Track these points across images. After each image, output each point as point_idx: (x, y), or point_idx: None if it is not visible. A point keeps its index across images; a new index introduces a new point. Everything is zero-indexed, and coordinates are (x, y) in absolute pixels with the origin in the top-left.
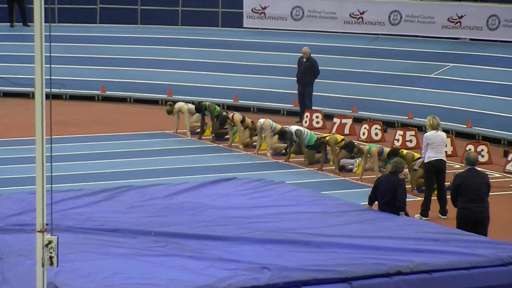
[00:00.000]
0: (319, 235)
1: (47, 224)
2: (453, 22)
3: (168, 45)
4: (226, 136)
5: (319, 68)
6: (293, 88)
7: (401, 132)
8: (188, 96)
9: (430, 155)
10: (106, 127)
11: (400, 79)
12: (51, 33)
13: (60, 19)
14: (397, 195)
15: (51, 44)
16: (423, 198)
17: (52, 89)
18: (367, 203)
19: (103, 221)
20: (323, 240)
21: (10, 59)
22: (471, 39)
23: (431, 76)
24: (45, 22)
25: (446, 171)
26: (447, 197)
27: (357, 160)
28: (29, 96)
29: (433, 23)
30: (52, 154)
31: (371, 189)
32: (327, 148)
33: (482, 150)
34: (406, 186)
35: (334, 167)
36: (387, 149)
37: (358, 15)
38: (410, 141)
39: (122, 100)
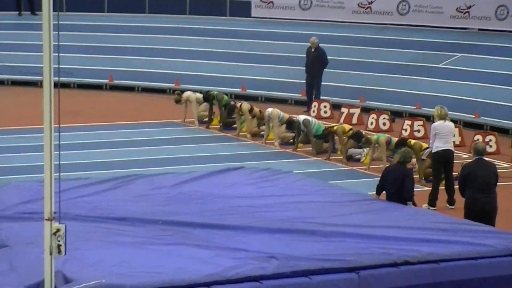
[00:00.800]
0: (326, 224)
1: (55, 213)
2: (462, 12)
3: (176, 34)
4: (234, 126)
5: (328, 58)
6: (300, 77)
7: (409, 122)
8: (196, 86)
9: (438, 145)
10: (114, 116)
11: (408, 69)
12: (59, 22)
13: (68, 8)
14: (405, 185)
15: (59, 33)
16: (430, 188)
17: (60, 78)
18: (374, 193)
19: (111, 209)
20: (331, 229)
21: (18, 47)
22: (479, 29)
23: (439, 66)
24: (53, 11)
25: (454, 161)
26: (455, 187)
27: (365, 150)
28: (37, 84)
29: (441, 13)
30: (60, 142)
31: (378, 179)
32: (335, 138)
33: (490, 140)
34: (414, 176)
35: (341, 157)
36: (395, 139)
37: (366, 5)
38: (418, 131)
39: (130, 89)
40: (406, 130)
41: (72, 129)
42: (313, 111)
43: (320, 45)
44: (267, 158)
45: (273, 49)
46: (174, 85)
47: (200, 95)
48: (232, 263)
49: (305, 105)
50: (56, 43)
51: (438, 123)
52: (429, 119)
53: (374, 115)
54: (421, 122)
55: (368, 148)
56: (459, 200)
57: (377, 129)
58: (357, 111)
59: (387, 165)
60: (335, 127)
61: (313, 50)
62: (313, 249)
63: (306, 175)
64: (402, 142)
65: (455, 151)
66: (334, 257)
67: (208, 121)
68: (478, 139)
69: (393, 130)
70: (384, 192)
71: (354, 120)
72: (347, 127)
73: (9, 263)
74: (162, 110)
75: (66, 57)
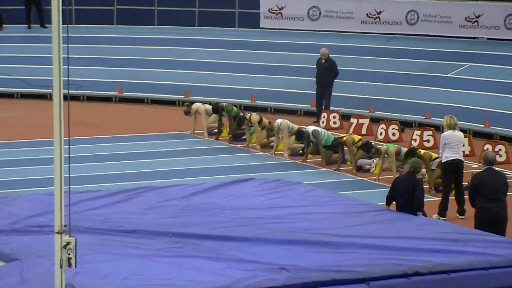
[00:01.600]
0: (337, 235)
1: (65, 226)
2: (470, 21)
3: (185, 45)
4: (243, 137)
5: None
6: (310, 88)
7: (419, 132)
8: (205, 97)
9: (447, 155)
10: (123, 128)
11: (417, 79)
12: (69, 34)
13: (77, 20)
14: (415, 195)
15: (69, 45)
16: (440, 198)
17: (69, 90)
18: (384, 203)
19: (121, 222)
20: (341, 240)
21: (28, 60)
22: (488, 39)
23: (448, 75)
24: (63, 23)
25: (464, 171)
26: (465, 197)
27: (375, 160)
28: (47, 97)
29: (450, 23)
30: (70, 155)
31: (388, 189)
32: (345, 148)
33: (500, 149)
34: (424, 186)
35: (351, 167)
36: (404, 149)
37: (375, 15)
38: (428, 141)
39: (139, 101)
40: (415, 140)
41: (81, 142)
42: (323, 122)
43: (329, 55)
44: (277, 169)
45: (282, 59)
46: (183, 96)
47: (209, 107)
48: (243, 274)
49: (315, 115)
50: (66, 55)
51: (447, 133)
52: (438, 128)
53: (383, 125)
54: (430, 132)
55: (378, 159)
56: (470, 210)
57: (387, 139)
58: (366, 121)
59: (397, 175)
60: (344, 138)
61: (323, 61)
62: (323, 260)
63: (316, 185)
64: (412, 152)
65: (465, 161)
66: (345, 268)
67: (218, 133)
68: (488, 149)
69: (402, 140)
70: (394, 202)
71: (364, 130)
72: (356, 137)
73: (20, 276)
74: (172, 121)
75: (75, 69)
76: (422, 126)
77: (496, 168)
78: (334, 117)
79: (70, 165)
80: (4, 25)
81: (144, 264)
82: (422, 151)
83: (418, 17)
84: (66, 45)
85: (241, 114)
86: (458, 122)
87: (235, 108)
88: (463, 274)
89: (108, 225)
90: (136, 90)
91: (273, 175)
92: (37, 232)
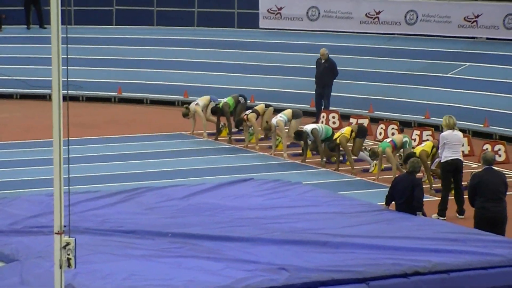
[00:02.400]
0: (336, 235)
1: (64, 226)
2: (470, 21)
3: (184, 46)
4: (242, 137)
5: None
6: (309, 88)
7: (418, 132)
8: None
9: (446, 155)
10: (123, 128)
11: (416, 79)
12: (68, 35)
13: (76, 21)
14: (414, 195)
15: (68, 46)
16: (440, 198)
17: (69, 91)
18: (384, 203)
19: (121, 222)
20: (341, 240)
21: (27, 61)
22: (487, 38)
23: (447, 75)
24: (62, 24)
25: (463, 171)
26: (465, 197)
27: (374, 161)
28: (46, 98)
29: (449, 23)
30: (70, 155)
31: (387, 189)
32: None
33: (499, 149)
34: (424, 186)
35: (350, 168)
36: (398, 138)
37: (374, 15)
38: (427, 140)
39: (139, 101)
40: (415, 140)
41: (81, 142)
42: (322, 122)
43: (329, 55)
44: (276, 169)
45: (281, 60)
46: (183, 96)
47: (203, 102)
48: (243, 275)
49: (314, 116)
50: (65, 56)
51: (446, 133)
52: (438, 128)
53: (383, 125)
54: (430, 132)
55: (376, 160)
56: (469, 209)
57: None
58: (365, 121)
59: (397, 175)
60: (338, 140)
61: (323, 61)
62: (323, 260)
63: (315, 186)
64: (409, 157)
65: (464, 161)
66: (345, 268)
67: (217, 133)
68: (487, 148)
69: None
70: (393, 202)
71: None
72: (348, 133)
73: (20, 277)
74: (171, 122)
75: (74, 70)
76: (422, 126)
77: (496, 168)
78: (333, 117)
79: (70, 165)
80: (3, 26)
81: (144, 265)
82: (419, 149)
83: (417, 17)
84: (65, 45)
85: (241, 108)
86: (457, 122)
87: (231, 102)
88: (462, 274)
89: (107, 226)
90: (136, 91)
91: (272, 175)
92: (36, 233)
